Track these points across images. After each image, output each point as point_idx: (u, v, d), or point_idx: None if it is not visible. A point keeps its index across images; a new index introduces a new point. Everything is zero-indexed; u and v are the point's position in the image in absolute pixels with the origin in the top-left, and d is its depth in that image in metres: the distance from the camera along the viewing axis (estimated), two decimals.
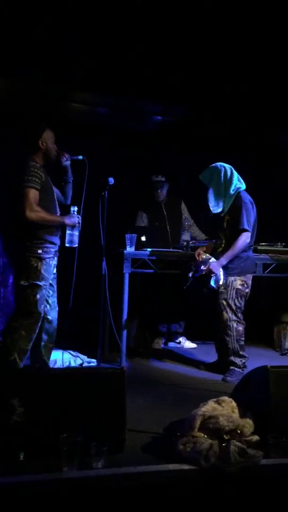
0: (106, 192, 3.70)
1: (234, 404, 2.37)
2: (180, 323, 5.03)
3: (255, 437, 2.21)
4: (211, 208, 3.86)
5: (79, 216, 3.40)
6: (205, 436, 2.18)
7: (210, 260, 3.80)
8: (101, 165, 3.82)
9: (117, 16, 3.83)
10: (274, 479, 2.10)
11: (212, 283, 3.76)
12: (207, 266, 3.77)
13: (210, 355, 4.21)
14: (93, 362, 3.89)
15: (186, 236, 4.36)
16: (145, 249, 4.18)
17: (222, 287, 3.79)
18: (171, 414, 2.75)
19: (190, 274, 3.88)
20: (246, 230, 3.75)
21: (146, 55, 4.21)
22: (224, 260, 3.76)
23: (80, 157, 3.51)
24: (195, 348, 4.90)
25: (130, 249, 4.08)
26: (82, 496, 1.91)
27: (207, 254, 3.88)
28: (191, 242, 4.36)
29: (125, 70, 4.35)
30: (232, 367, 3.81)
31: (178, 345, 4.96)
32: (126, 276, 4.02)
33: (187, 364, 4.25)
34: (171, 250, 4.35)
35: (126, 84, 4.52)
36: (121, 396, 2.25)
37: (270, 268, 4.31)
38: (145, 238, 4.38)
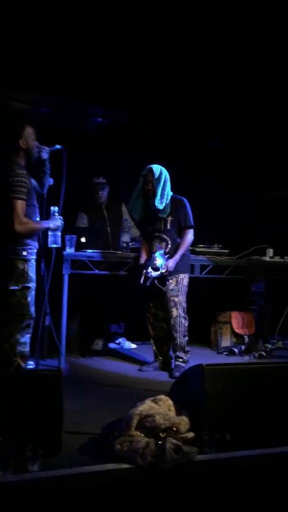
0: (45, 193, 3.66)
1: (170, 402, 2.43)
2: (120, 324, 5.05)
3: (190, 434, 2.25)
4: (157, 204, 3.83)
5: (61, 217, 3.48)
6: (142, 435, 2.20)
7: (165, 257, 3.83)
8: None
9: (61, 16, 3.81)
10: (209, 474, 2.16)
11: (142, 279, 3.80)
12: (165, 266, 3.79)
13: (149, 355, 4.26)
14: (31, 364, 3.83)
15: (126, 238, 4.38)
16: (85, 250, 4.16)
17: (173, 284, 3.86)
18: (109, 415, 2.76)
19: (149, 270, 3.81)
20: (193, 227, 3.91)
21: (88, 56, 4.22)
22: (178, 257, 3.87)
23: (58, 146, 3.55)
24: (135, 348, 4.94)
25: (69, 250, 4.05)
26: (18, 500, 1.88)
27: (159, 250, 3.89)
28: (130, 244, 4.39)
29: (68, 70, 4.33)
30: (177, 363, 3.92)
31: (118, 346, 4.98)
32: (66, 277, 4.00)
33: (127, 364, 4.28)
34: (111, 251, 4.37)
35: (67, 84, 4.50)
36: (58, 397, 2.23)
37: (208, 269, 4.42)
38: (85, 239, 4.37)
